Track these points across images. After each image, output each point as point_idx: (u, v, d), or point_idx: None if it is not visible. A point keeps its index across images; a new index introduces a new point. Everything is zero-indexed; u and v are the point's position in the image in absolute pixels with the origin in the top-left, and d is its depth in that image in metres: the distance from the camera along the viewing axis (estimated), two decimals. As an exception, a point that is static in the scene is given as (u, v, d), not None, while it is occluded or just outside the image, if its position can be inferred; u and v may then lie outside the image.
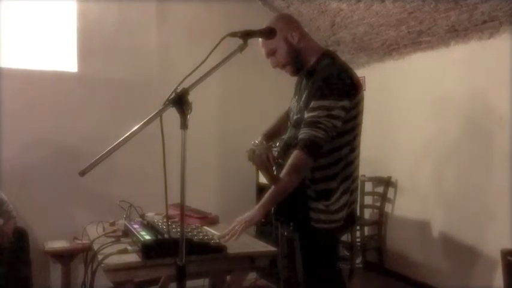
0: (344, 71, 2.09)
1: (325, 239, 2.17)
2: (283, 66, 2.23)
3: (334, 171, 2.10)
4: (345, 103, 2.01)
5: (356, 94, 2.07)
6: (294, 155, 2.01)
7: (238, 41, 1.78)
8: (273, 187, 2.06)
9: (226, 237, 2.10)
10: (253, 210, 2.08)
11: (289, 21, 2.23)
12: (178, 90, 1.56)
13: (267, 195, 2.07)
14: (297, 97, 2.26)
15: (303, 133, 2.01)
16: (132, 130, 1.52)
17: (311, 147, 1.98)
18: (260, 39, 2.14)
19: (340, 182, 2.11)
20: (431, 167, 4.32)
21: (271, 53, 2.21)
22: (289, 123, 2.34)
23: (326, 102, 1.99)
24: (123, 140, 1.51)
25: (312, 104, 2.02)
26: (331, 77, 2.04)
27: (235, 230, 2.08)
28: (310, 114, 2.02)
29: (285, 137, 2.29)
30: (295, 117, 2.18)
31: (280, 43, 2.16)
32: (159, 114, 1.55)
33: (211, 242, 2.18)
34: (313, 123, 1.99)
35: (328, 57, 2.18)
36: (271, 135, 2.40)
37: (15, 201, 3.88)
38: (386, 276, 4.71)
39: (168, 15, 4.71)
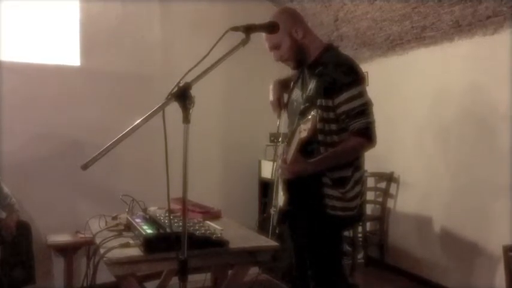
0: (353, 60, 2.18)
1: (339, 228, 2.25)
2: (285, 60, 2.28)
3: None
4: (365, 87, 2.14)
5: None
6: (354, 139, 2.08)
7: (241, 36, 1.77)
8: (330, 150, 2.11)
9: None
10: (303, 164, 2.08)
11: (294, 16, 2.27)
12: (180, 84, 1.56)
13: (320, 156, 2.10)
14: (300, 89, 2.29)
15: (358, 123, 2.07)
16: (135, 124, 1.52)
17: (369, 133, 2.08)
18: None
19: (353, 171, 2.17)
20: (433, 163, 4.31)
21: (274, 47, 2.25)
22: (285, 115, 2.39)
23: (358, 89, 2.08)
24: (125, 134, 1.51)
25: (345, 95, 2.07)
26: (349, 65, 2.12)
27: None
28: (351, 105, 2.08)
29: (290, 129, 2.30)
30: (301, 107, 2.19)
31: (284, 38, 2.20)
32: (162, 108, 1.55)
33: (213, 237, 2.18)
34: (361, 112, 2.07)
35: (332, 49, 2.24)
36: (284, 84, 2.46)
37: (18, 194, 3.88)
38: (388, 272, 4.71)
39: (171, 9, 4.70)
